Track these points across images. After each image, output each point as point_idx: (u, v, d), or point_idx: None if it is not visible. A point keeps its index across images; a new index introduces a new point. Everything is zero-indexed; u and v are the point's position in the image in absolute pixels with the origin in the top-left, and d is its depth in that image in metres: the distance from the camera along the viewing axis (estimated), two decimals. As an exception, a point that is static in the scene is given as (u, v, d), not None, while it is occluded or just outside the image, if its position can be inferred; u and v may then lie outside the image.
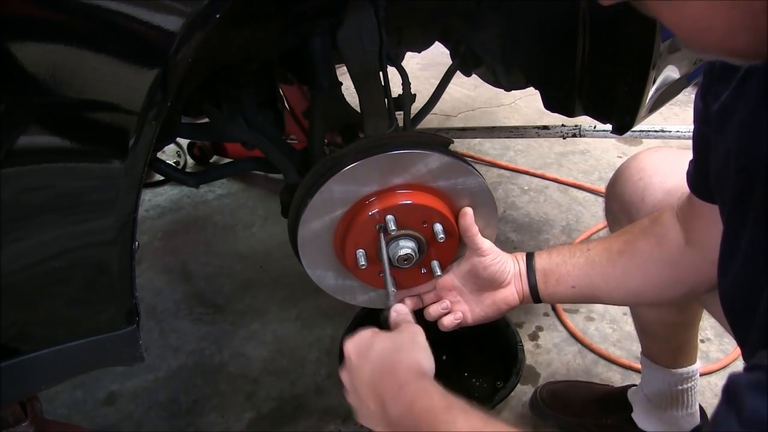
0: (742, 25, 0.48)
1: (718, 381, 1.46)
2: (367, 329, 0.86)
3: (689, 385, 1.20)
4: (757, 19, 0.46)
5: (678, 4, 0.50)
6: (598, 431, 1.32)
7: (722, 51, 0.52)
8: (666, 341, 1.16)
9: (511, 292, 0.99)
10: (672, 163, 0.96)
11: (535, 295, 0.98)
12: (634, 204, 1.01)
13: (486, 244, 0.98)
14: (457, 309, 1.01)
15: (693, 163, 0.82)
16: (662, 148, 1.05)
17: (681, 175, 0.85)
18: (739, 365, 1.49)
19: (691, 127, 0.80)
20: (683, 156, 0.95)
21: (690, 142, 0.82)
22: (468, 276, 1.01)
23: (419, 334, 0.84)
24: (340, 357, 1.47)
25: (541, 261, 0.99)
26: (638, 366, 1.49)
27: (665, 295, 0.94)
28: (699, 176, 0.79)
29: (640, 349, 1.54)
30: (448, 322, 1.01)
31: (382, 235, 1.06)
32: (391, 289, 0.97)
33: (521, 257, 1.01)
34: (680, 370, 1.18)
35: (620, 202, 1.05)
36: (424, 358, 0.80)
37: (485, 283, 0.99)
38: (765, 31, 0.47)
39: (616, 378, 1.49)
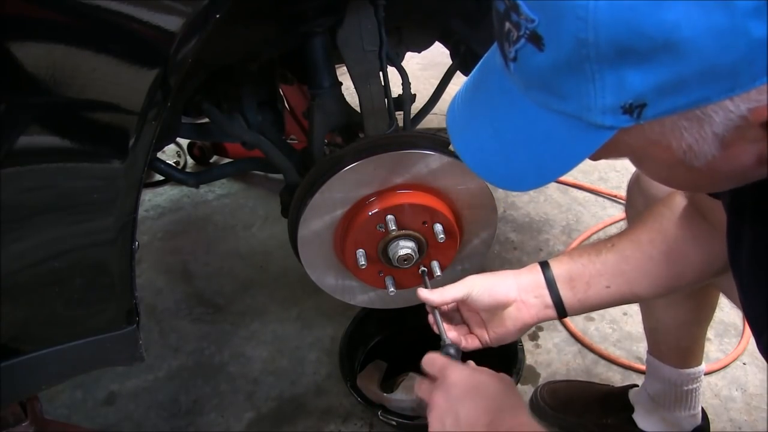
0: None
1: (718, 381, 1.46)
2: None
3: (695, 385, 1.20)
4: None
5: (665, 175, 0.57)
6: (599, 431, 1.32)
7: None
8: (677, 340, 1.16)
9: (522, 311, 0.88)
10: None
11: (560, 306, 0.87)
12: (661, 198, 1.00)
13: (460, 292, 0.87)
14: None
15: None
16: None
17: None
18: (738, 365, 1.49)
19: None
20: None
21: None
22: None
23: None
24: (340, 358, 1.48)
25: (560, 267, 0.87)
26: (638, 366, 1.49)
27: (707, 271, 0.88)
28: None
29: (640, 349, 1.55)
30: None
31: (426, 279, 1.09)
32: (444, 336, 0.90)
33: (532, 269, 0.89)
34: (688, 371, 1.18)
35: (645, 197, 1.02)
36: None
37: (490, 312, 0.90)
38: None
39: (616, 378, 1.49)
